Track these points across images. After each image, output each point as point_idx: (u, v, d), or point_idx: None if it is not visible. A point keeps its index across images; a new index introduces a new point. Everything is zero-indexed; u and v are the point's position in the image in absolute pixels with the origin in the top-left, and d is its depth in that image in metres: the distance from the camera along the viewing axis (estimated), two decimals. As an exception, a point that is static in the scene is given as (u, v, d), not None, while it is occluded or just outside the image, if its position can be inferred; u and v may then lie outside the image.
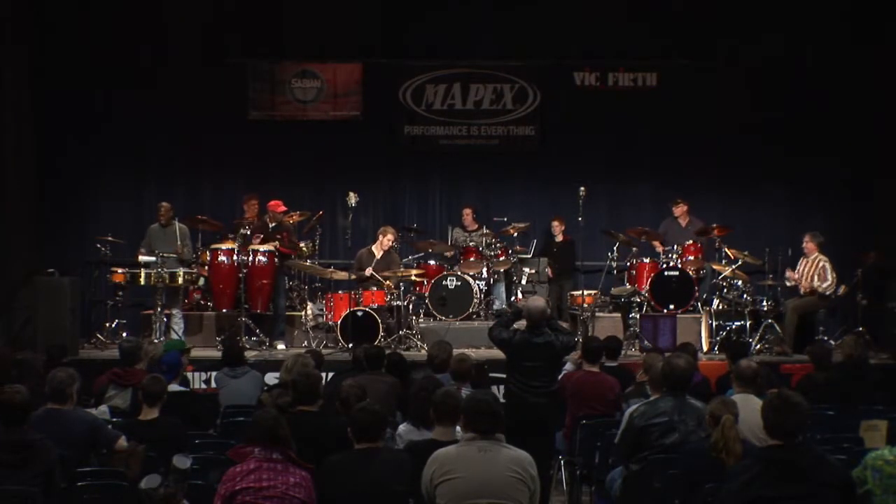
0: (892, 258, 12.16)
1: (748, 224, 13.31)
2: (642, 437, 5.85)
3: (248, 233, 11.36)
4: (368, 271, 11.28)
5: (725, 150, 13.50)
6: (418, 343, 10.96)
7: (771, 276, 11.93)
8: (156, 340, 10.17)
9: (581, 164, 13.36)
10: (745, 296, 11.48)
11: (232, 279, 11.19)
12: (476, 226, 12.79)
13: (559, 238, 13.10)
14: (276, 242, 11.31)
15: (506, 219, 12.90)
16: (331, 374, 8.67)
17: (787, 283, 11.78)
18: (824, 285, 11.43)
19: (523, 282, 12.46)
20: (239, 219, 12.28)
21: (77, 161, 13.29)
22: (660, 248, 12.17)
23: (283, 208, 11.61)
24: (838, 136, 13.28)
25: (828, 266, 11.47)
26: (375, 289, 11.21)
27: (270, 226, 11.42)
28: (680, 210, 12.66)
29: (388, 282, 11.26)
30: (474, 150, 13.99)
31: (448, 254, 12.64)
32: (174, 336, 10.95)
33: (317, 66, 13.79)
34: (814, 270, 11.52)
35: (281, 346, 11.27)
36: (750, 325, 11.37)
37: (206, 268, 11.60)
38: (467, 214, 12.86)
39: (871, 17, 12.96)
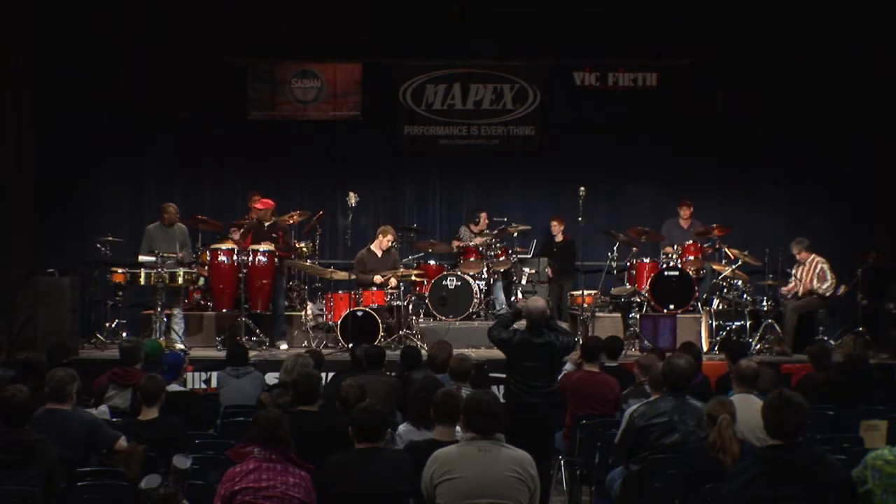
0: (892, 258, 12.16)
1: (748, 224, 13.32)
2: (642, 438, 5.86)
3: (246, 228, 11.37)
4: (378, 279, 11.28)
5: (725, 150, 13.51)
6: (418, 343, 10.95)
7: (771, 276, 11.94)
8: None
9: (581, 164, 13.36)
10: (745, 296, 11.49)
11: (232, 279, 11.19)
12: (485, 228, 12.79)
13: (559, 238, 13.10)
14: (272, 243, 11.29)
15: (506, 219, 12.89)
16: (331, 375, 8.68)
17: (788, 297, 11.77)
18: (824, 286, 11.45)
19: (523, 282, 12.47)
20: (241, 218, 12.27)
21: (77, 161, 13.28)
22: (669, 250, 12.15)
23: (269, 206, 11.48)
24: (838, 136, 13.29)
25: (825, 267, 11.50)
26: (375, 289, 11.22)
27: (266, 224, 11.40)
28: (688, 211, 12.67)
29: (391, 280, 11.29)
30: (474, 150, 13.99)
31: (456, 245, 12.59)
32: (174, 336, 10.96)
33: (317, 66, 13.79)
34: (812, 273, 11.53)
35: (283, 346, 11.28)
36: (750, 325, 11.39)
37: (206, 268, 11.60)
38: (484, 218, 12.80)
39: (870, 17, 12.96)
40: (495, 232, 12.49)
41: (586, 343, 8.24)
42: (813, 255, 11.62)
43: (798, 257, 11.69)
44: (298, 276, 12.43)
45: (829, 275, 11.48)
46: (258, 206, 11.51)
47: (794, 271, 11.80)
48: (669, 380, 5.99)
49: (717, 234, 12.04)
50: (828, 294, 11.50)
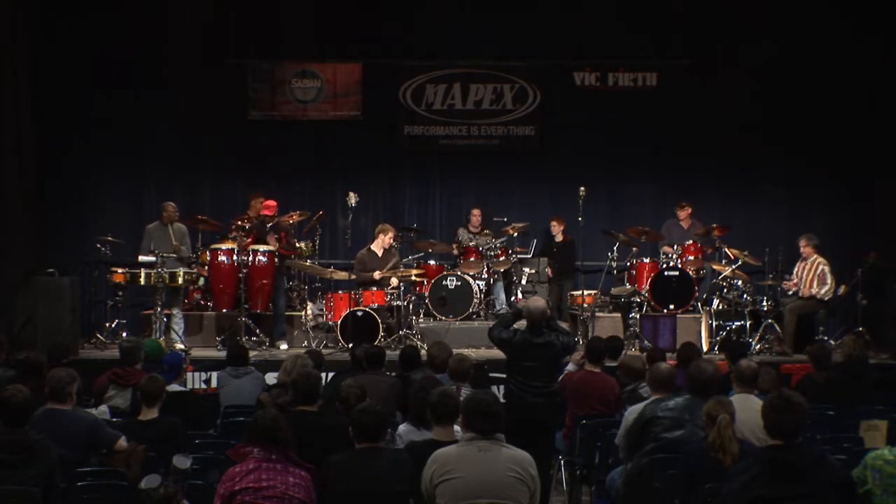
0: (892, 258, 12.16)
1: (748, 224, 13.32)
2: (648, 429, 5.84)
3: (247, 230, 11.39)
4: (378, 275, 11.27)
5: (725, 150, 13.50)
6: (418, 343, 10.95)
7: (771, 276, 11.95)
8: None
9: (581, 164, 13.37)
10: (745, 296, 11.49)
11: (232, 279, 11.19)
12: (481, 227, 12.82)
13: (559, 238, 13.10)
14: (276, 243, 11.30)
15: (506, 219, 12.90)
16: (331, 375, 8.68)
17: (788, 293, 11.80)
18: (823, 290, 11.44)
19: (523, 282, 12.48)
20: (241, 217, 12.25)
21: (77, 161, 13.28)
22: (668, 250, 12.15)
23: (271, 211, 11.51)
24: (838, 136, 13.28)
25: (826, 269, 11.49)
26: (375, 289, 11.22)
27: (268, 226, 11.40)
28: (685, 213, 12.68)
29: (393, 279, 11.29)
30: (474, 150, 13.99)
31: (456, 245, 12.61)
32: (174, 336, 10.96)
33: (317, 66, 13.79)
34: (813, 275, 11.53)
35: (283, 346, 11.28)
36: (750, 325, 11.38)
37: (206, 268, 11.60)
38: (476, 215, 12.84)
39: (870, 16, 12.96)
40: (499, 237, 12.50)
41: (590, 344, 8.22)
42: (815, 255, 11.62)
43: (802, 251, 11.69)
44: (298, 276, 12.42)
45: (829, 278, 11.47)
46: (266, 211, 11.48)
47: (795, 268, 11.80)
48: (695, 382, 5.94)
49: (717, 234, 12.04)
50: (827, 298, 11.51)
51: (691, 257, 12.00)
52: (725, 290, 11.57)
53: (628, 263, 12.11)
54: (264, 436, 4.89)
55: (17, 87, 11.94)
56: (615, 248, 12.08)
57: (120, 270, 11.24)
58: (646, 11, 13.39)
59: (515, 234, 12.77)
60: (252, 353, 9.34)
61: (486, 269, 12.23)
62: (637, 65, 13.81)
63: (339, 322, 10.96)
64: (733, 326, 11.34)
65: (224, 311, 11.33)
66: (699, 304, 11.91)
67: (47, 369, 6.80)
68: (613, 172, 13.72)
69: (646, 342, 11.31)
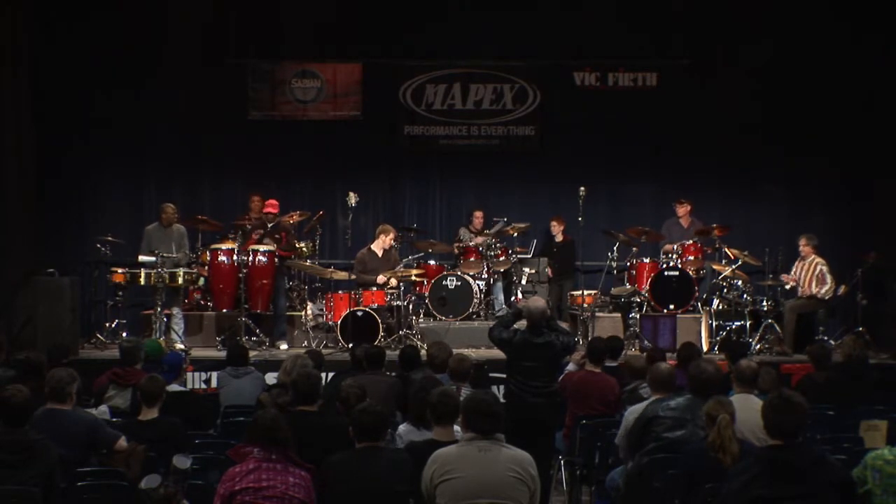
0: (892, 258, 12.16)
1: (748, 224, 13.32)
2: (650, 428, 5.84)
3: (249, 229, 11.39)
4: (381, 279, 11.27)
5: (725, 150, 13.50)
6: (418, 343, 10.95)
7: (771, 276, 11.95)
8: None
9: (581, 164, 13.37)
10: (745, 296, 11.49)
11: (232, 279, 11.20)
12: (482, 228, 12.83)
13: (559, 238, 13.11)
14: (274, 243, 11.31)
15: (506, 219, 12.90)
16: (331, 375, 8.68)
17: (786, 287, 11.82)
18: (823, 290, 11.45)
19: (523, 282, 12.48)
20: (240, 217, 12.27)
21: (77, 161, 13.28)
22: (669, 249, 12.15)
23: (274, 210, 11.52)
24: (838, 136, 13.28)
25: (825, 269, 11.49)
26: (375, 288, 11.22)
27: (269, 226, 11.42)
28: (683, 210, 12.67)
29: (392, 280, 11.29)
30: (474, 150, 13.99)
31: (457, 245, 12.61)
32: (174, 336, 10.96)
33: (317, 66, 13.80)
34: (811, 275, 11.54)
35: (283, 346, 11.28)
36: (750, 325, 11.38)
37: (206, 268, 11.61)
38: (478, 217, 12.85)
39: (870, 17, 12.96)
40: (494, 231, 12.51)
41: (591, 344, 8.22)
42: (814, 256, 11.63)
43: (802, 251, 11.70)
44: (298, 276, 12.43)
45: (828, 277, 11.48)
46: (269, 209, 11.48)
47: (794, 267, 11.80)
48: (697, 383, 5.94)
49: (717, 234, 12.04)
50: (827, 297, 11.51)
51: (691, 257, 12.00)
52: (725, 290, 11.57)
53: (628, 263, 12.11)
54: (264, 436, 4.89)
55: (17, 87, 11.94)
56: (615, 248, 12.08)
57: (120, 270, 11.24)
58: (646, 11, 13.40)
59: (515, 235, 12.77)
60: (252, 353, 9.34)
61: (486, 269, 12.23)
62: (637, 65, 13.82)
63: (339, 322, 10.96)
64: (733, 326, 11.34)
65: (224, 311, 11.33)
66: (699, 304, 11.91)
67: (47, 369, 6.80)
68: (613, 172, 13.72)
69: (646, 342, 11.31)
